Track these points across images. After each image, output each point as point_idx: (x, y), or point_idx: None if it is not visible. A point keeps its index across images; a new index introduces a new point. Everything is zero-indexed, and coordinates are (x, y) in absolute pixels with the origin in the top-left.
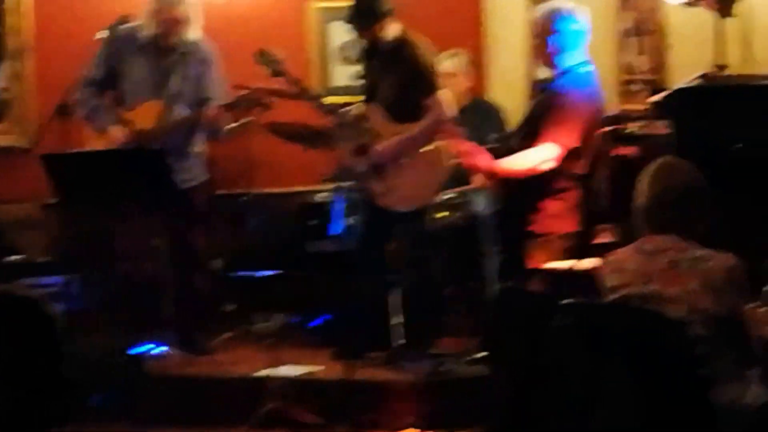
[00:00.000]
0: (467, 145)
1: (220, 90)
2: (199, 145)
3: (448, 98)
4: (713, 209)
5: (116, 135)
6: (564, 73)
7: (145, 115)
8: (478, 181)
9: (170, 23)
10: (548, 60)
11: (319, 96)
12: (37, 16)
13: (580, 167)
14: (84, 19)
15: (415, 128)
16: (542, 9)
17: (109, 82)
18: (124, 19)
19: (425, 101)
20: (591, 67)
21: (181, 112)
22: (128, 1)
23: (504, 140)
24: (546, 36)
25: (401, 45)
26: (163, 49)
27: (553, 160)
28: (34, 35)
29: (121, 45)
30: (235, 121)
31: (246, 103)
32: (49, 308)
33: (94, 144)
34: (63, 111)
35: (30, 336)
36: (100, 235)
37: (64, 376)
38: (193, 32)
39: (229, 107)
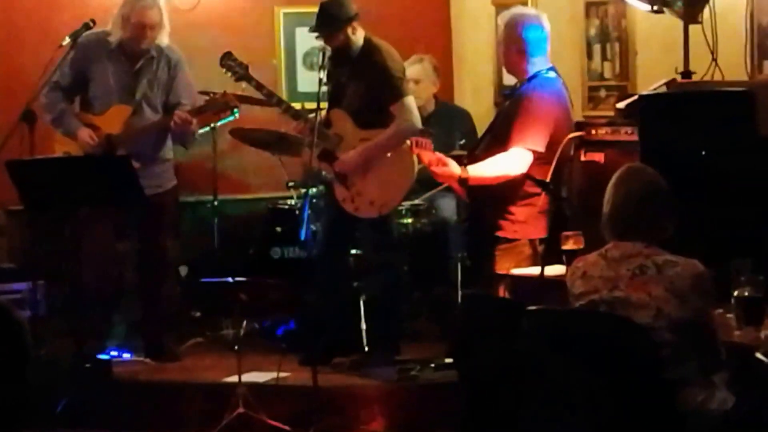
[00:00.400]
0: (434, 155)
1: (189, 95)
2: (168, 152)
3: (415, 104)
4: (678, 215)
5: (85, 138)
6: (529, 78)
7: (113, 120)
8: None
9: (141, 27)
10: (513, 66)
11: (286, 101)
12: (0, 22)
13: (547, 173)
14: (48, 25)
15: (381, 135)
16: (506, 15)
17: (76, 87)
18: (88, 26)
19: (392, 107)
20: (555, 73)
21: (149, 117)
22: (91, 7)
23: (473, 146)
24: (510, 42)
25: (367, 51)
26: (131, 55)
27: (521, 165)
28: None
29: (89, 50)
30: (202, 126)
31: (214, 107)
32: (17, 314)
33: (63, 148)
34: (28, 117)
35: None
36: (65, 241)
37: (31, 382)
38: (162, 37)
39: (198, 112)
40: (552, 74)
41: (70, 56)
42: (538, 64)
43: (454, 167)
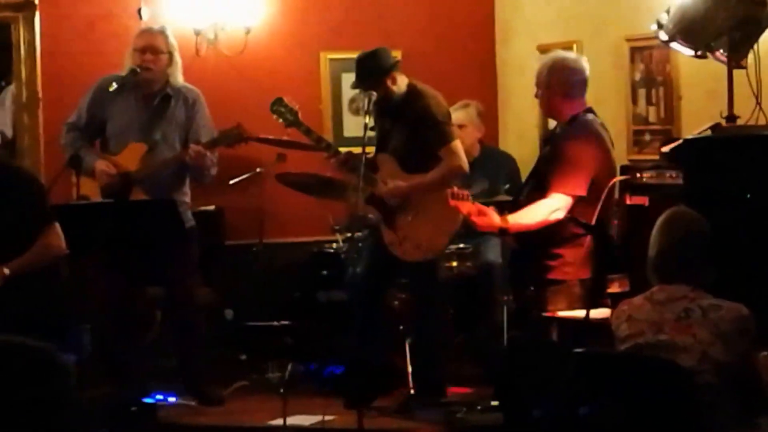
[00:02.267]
0: (473, 206)
1: (209, 133)
2: (185, 196)
3: (462, 149)
4: (722, 259)
5: (102, 167)
6: (568, 122)
7: (130, 158)
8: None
9: (144, 51)
10: (551, 109)
11: (335, 147)
12: (45, 69)
13: (591, 214)
14: (90, 71)
15: (430, 174)
16: (545, 59)
17: (93, 128)
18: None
19: (438, 151)
20: (594, 115)
21: (166, 155)
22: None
23: (516, 192)
24: (549, 85)
25: (411, 97)
26: (147, 95)
27: (562, 210)
28: (42, 87)
29: (105, 91)
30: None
31: (227, 139)
32: (62, 358)
33: (88, 188)
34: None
35: (42, 386)
36: (104, 285)
37: (75, 426)
38: (177, 76)
39: (212, 144)
40: (590, 116)
41: (87, 97)
42: (576, 106)
43: (493, 217)
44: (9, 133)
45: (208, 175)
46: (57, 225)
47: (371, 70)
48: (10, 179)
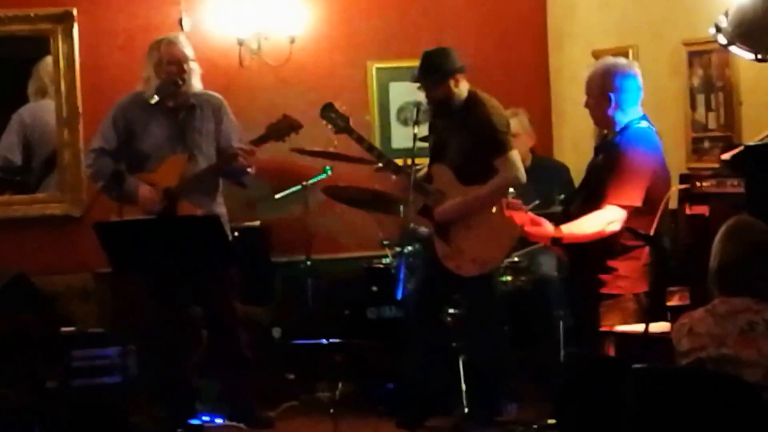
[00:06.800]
0: (527, 216)
1: (237, 136)
2: (222, 205)
3: (519, 159)
4: None
5: (146, 194)
6: (621, 130)
7: (169, 172)
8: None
9: (173, 63)
10: (603, 118)
11: (386, 155)
12: (84, 82)
13: (648, 225)
14: (130, 84)
15: (484, 187)
16: (596, 66)
17: (123, 149)
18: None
19: (496, 161)
20: (648, 123)
21: (203, 164)
22: None
23: (567, 202)
24: (600, 93)
25: (471, 104)
26: (172, 107)
27: (617, 221)
28: (81, 103)
29: (128, 110)
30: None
31: (278, 131)
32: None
33: (131, 212)
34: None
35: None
36: (148, 305)
37: None
38: (197, 84)
39: (261, 140)
40: (644, 124)
41: (109, 121)
42: (629, 114)
43: (547, 227)
44: (17, 159)
45: (248, 177)
46: None
47: (438, 66)
48: None
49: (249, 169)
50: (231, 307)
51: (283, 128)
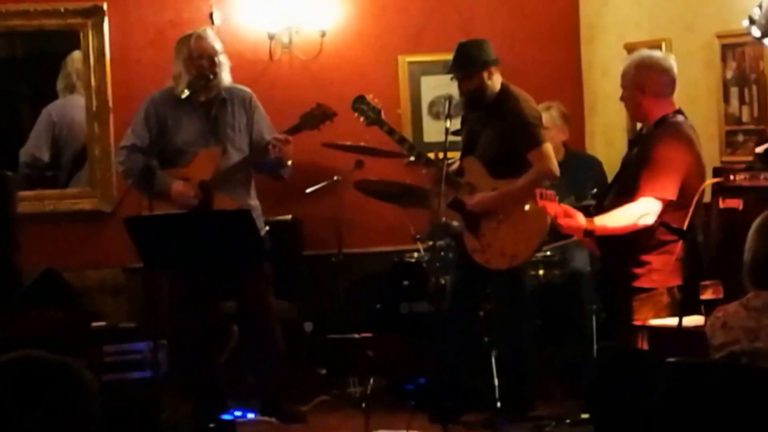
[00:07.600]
0: (560, 207)
1: (269, 128)
2: (255, 199)
3: (552, 152)
4: None
5: (180, 190)
6: (656, 124)
7: (202, 166)
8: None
9: (204, 58)
10: (638, 110)
11: (417, 148)
12: (114, 77)
13: (681, 219)
14: (161, 79)
15: (519, 180)
16: (630, 58)
17: (156, 145)
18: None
19: (529, 155)
20: (683, 116)
21: (234, 159)
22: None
23: (600, 195)
24: (635, 86)
25: (503, 97)
26: (204, 102)
27: (651, 214)
28: (111, 97)
29: (160, 106)
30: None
31: (312, 120)
32: (85, 373)
33: (162, 206)
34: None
35: (62, 402)
36: (179, 299)
37: None
38: (227, 78)
39: (295, 129)
40: (680, 117)
41: (141, 118)
42: (665, 107)
43: (580, 219)
44: (45, 157)
45: (286, 168)
46: None
47: (473, 58)
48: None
49: (287, 161)
50: (266, 301)
51: (317, 117)
